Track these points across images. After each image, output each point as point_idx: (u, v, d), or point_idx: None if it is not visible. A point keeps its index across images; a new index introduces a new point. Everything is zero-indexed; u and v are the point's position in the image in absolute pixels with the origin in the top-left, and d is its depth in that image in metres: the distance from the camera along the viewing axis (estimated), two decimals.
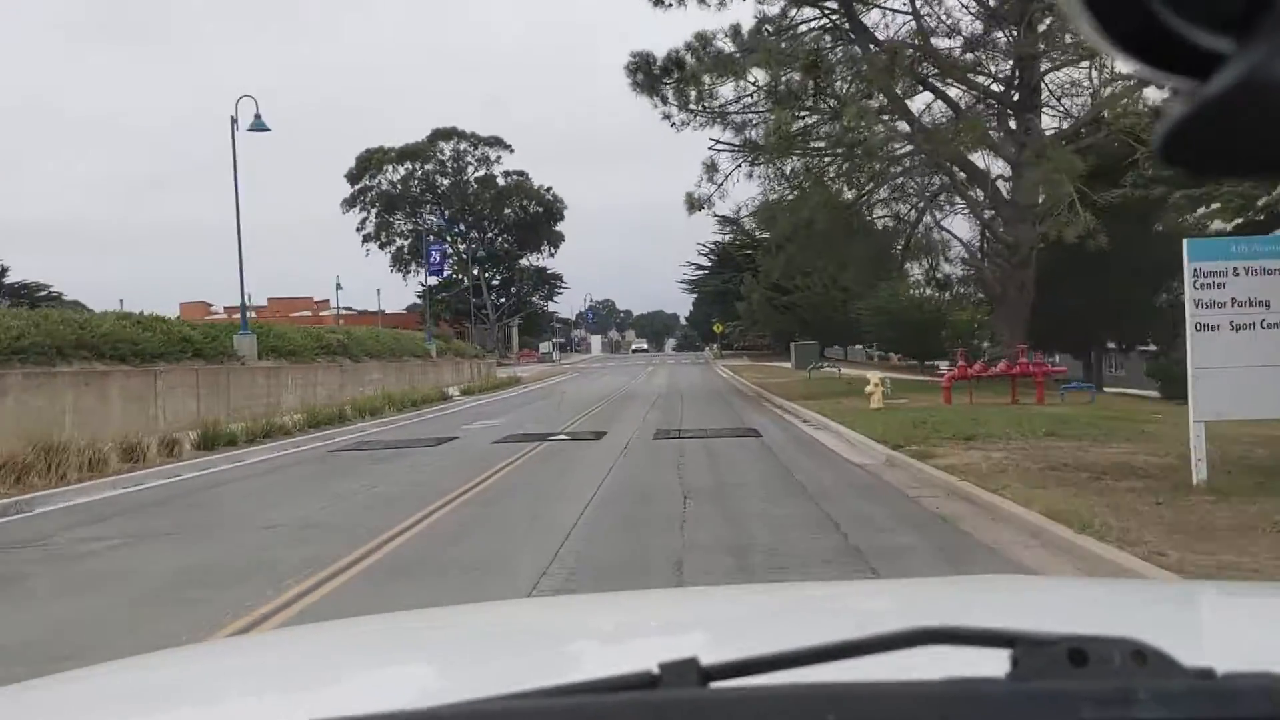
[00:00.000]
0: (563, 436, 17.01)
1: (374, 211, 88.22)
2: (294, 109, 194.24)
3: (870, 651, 0.75)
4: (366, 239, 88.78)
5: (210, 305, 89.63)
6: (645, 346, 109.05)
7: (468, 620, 1.91)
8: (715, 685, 0.71)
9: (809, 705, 0.65)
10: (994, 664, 0.69)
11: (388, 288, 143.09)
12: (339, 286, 70.17)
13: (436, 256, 44.41)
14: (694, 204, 31.77)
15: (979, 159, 28.79)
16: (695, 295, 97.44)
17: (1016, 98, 26.64)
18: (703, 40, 27.75)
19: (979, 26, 26.89)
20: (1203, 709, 0.64)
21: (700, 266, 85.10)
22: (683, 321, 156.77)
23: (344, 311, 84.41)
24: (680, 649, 0.76)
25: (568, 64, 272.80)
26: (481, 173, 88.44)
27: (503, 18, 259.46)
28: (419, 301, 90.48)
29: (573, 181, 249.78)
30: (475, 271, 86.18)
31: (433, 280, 65.44)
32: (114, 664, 1.62)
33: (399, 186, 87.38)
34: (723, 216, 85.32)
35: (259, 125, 26.88)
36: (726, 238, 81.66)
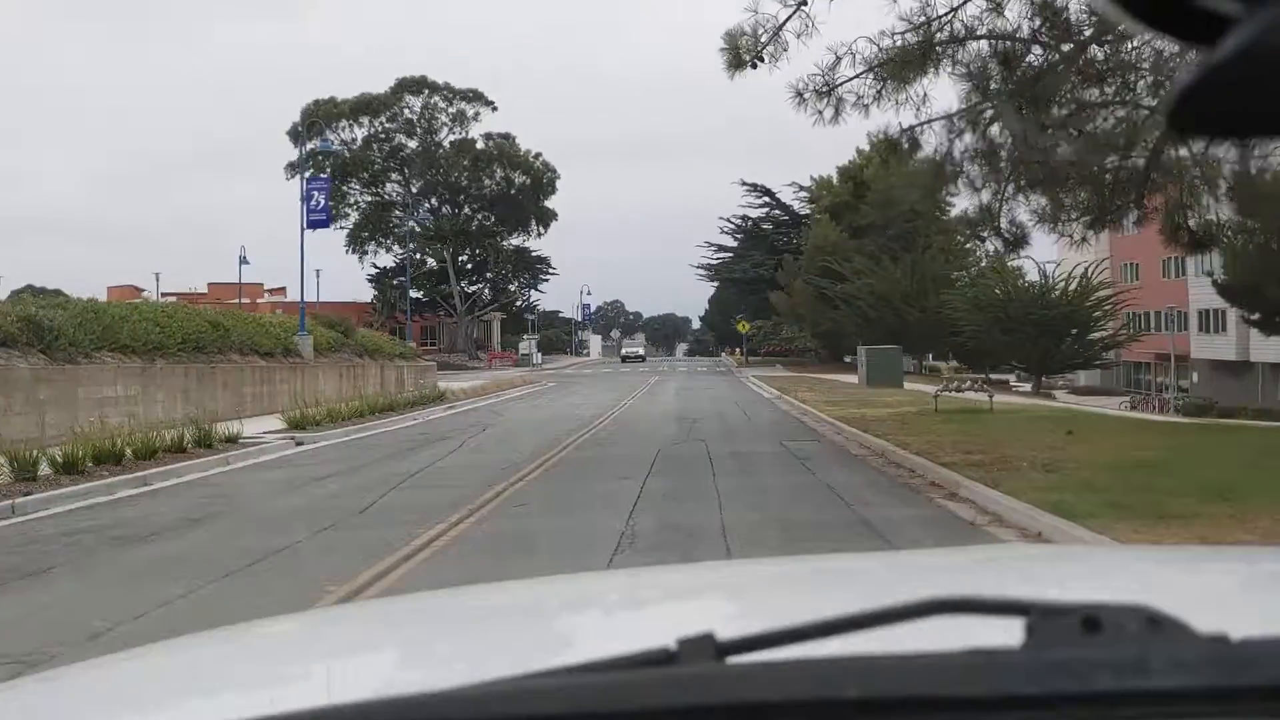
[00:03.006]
0: None
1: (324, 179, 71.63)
2: (277, 85, 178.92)
3: (885, 623, 0.75)
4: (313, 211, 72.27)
5: (142, 289, 74.72)
6: (640, 351, 74.14)
7: (485, 599, 1.81)
8: (732, 660, 0.72)
9: (825, 677, 0.65)
10: (1008, 633, 0.69)
11: (350, 272, 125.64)
12: (243, 260, 53.64)
13: (319, 199, 27.84)
14: (741, 54, 15.22)
15: None
16: (715, 287, 79.72)
17: None
18: None
19: None
20: (1218, 674, 0.64)
21: (722, 248, 66.94)
22: (695, 324, 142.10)
23: (283, 301, 68.32)
24: (696, 624, 0.75)
25: (578, 62, 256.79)
26: (458, 135, 71.59)
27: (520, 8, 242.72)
28: (381, 287, 74.24)
29: (584, 180, 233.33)
30: (443, 253, 69.44)
31: (339, 234, 49.19)
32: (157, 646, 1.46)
33: (355, 145, 70.67)
34: (753, 184, 68.31)
35: None
36: (759, 211, 64.34)
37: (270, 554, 7.34)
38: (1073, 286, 40.20)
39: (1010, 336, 39.53)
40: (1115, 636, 0.68)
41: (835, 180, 53.69)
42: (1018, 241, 19.77)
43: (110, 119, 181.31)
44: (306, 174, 29.75)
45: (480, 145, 71.24)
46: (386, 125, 72.07)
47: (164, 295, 69.02)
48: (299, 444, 17.31)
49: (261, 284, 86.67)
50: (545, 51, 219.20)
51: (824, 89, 15.69)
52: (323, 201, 28.46)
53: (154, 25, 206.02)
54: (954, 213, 18.79)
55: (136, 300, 36.17)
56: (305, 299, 29.58)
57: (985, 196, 18.48)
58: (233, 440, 15.99)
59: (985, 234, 19.52)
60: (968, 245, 53.42)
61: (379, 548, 7.26)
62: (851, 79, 15.78)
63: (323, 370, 28.91)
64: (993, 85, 13.03)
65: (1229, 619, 0.74)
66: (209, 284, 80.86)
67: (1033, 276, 43.19)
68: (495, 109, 71.56)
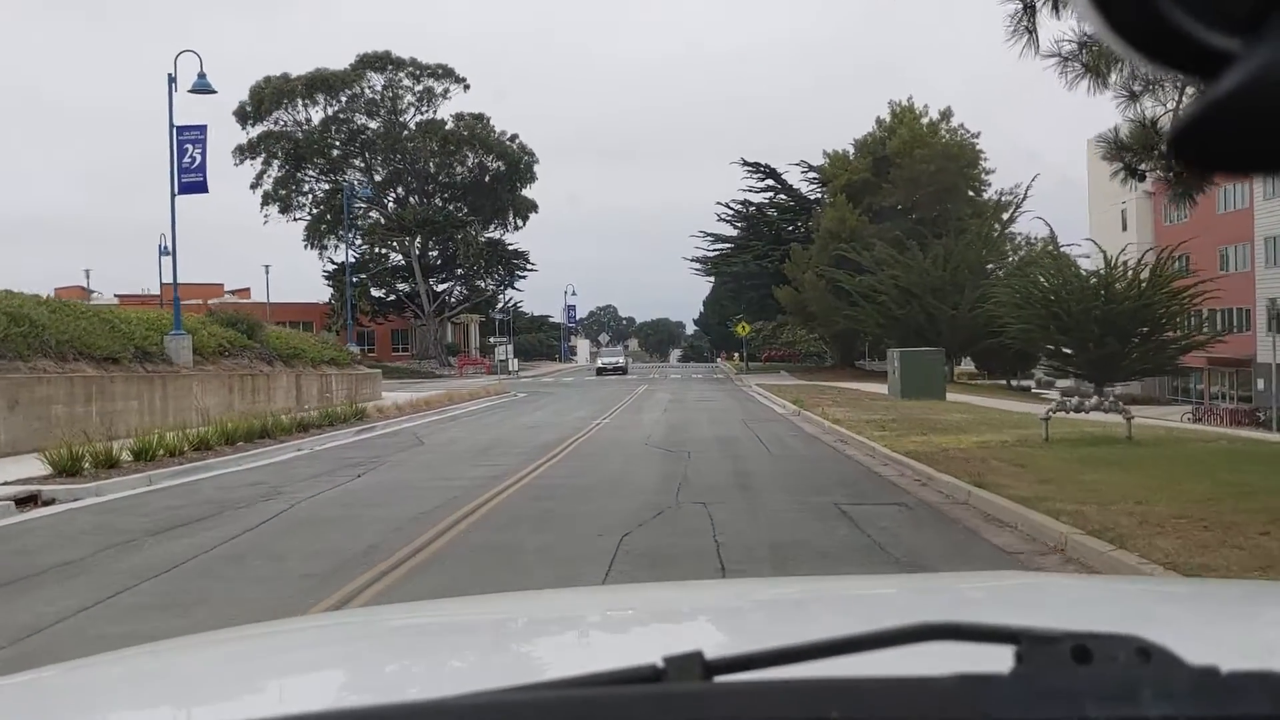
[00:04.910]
0: None
1: (276, 164, 64.62)
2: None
3: (875, 647, 0.75)
4: (266, 199, 65.27)
5: (90, 291, 68.22)
6: (620, 361, 60.73)
7: (472, 614, 1.82)
8: (719, 679, 0.72)
9: (812, 699, 0.65)
10: (998, 660, 0.68)
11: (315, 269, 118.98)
12: (165, 252, 46.60)
13: (195, 156, 20.94)
14: None
15: None
16: (711, 284, 72.74)
17: None
18: None
19: None
20: (1206, 706, 0.64)
21: (720, 238, 59.75)
22: (689, 329, 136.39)
23: (245, 303, 61.54)
24: (685, 643, 0.75)
25: (576, 58, 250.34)
26: (425, 115, 64.65)
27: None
28: (339, 286, 67.21)
29: (575, 184, 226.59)
30: (408, 246, 62.51)
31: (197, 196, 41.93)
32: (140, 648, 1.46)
33: (310, 126, 63.75)
34: (755, 163, 61.26)
35: None
36: (762, 196, 57.36)
37: None
38: (1144, 275, 33.38)
39: (1069, 336, 32.73)
40: (1105, 666, 0.67)
41: (852, 155, 46.97)
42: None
43: (110, 118, 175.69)
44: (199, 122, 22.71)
45: (449, 126, 64.34)
46: (346, 106, 65.22)
47: (116, 297, 62.48)
48: (39, 504, 10.48)
49: (221, 284, 79.97)
50: (533, 57, 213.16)
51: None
52: (199, 158, 21.51)
53: (153, 25, 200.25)
54: (1103, 128, 12.03)
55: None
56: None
57: (1148, 105, 11.82)
58: None
59: (1143, 166, 12.78)
60: (1004, 232, 46.87)
61: None
62: None
63: (203, 381, 22.01)
64: None
65: (1221, 652, 0.72)
66: (163, 284, 74.11)
67: (1084, 266, 36.50)
68: (467, 87, 64.74)
